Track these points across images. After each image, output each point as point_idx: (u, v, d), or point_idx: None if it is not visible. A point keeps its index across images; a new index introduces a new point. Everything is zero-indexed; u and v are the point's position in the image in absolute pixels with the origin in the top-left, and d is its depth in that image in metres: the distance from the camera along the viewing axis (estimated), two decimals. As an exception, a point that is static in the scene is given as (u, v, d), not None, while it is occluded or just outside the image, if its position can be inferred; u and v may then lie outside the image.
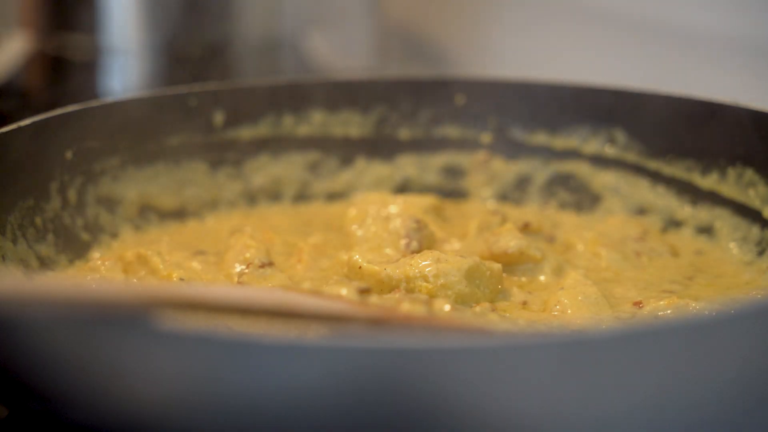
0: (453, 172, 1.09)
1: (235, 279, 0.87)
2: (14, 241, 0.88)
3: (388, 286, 0.83)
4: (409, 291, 0.82)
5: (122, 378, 0.57)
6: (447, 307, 0.76)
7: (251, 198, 1.06)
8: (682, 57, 1.40)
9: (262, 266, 0.87)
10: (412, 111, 1.08)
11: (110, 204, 0.99)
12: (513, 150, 1.07)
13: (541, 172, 1.06)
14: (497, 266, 0.85)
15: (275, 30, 1.69)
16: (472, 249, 0.91)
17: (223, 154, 1.05)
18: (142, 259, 0.87)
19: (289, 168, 1.07)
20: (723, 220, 0.97)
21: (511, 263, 0.89)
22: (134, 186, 1.00)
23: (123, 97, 1.02)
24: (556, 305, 0.82)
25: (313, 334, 0.66)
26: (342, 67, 1.68)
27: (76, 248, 0.94)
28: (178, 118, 1.03)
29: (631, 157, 1.03)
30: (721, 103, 0.97)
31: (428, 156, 1.09)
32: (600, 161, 1.04)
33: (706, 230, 0.98)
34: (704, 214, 0.98)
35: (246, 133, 1.06)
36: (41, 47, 1.70)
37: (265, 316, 0.63)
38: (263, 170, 1.07)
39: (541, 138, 1.06)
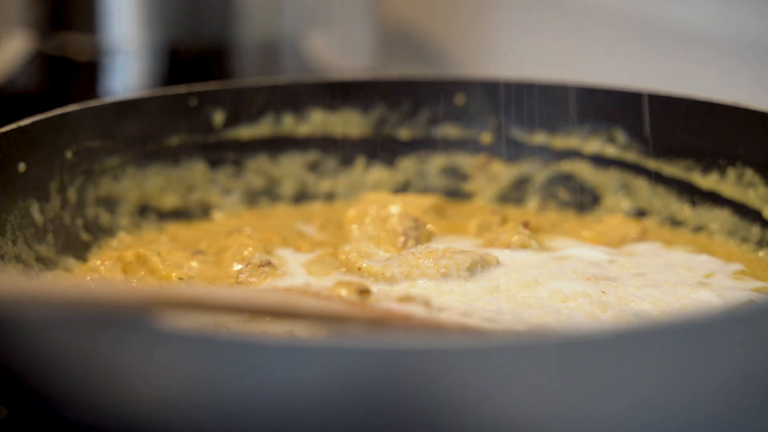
0: (453, 173, 1.09)
1: (235, 279, 0.87)
2: (14, 242, 0.88)
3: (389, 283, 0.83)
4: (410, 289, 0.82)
5: (122, 378, 0.57)
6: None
7: (251, 198, 1.06)
8: (682, 57, 1.40)
9: (261, 266, 0.87)
10: (412, 111, 1.08)
11: (110, 204, 0.99)
12: (513, 150, 1.07)
13: (541, 172, 1.06)
14: (495, 258, 0.86)
15: (275, 30, 1.69)
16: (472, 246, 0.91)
17: (223, 154, 1.05)
18: (141, 259, 0.87)
19: (289, 168, 1.07)
20: (723, 220, 0.97)
21: (512, 259, 0.89)
22: (134, 186, 1.00)
23: (123, 96, 1.02)
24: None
25: (313, 334, 0.66)
26: (342, 67, 1.68)
27: (76, 248, 0.94)
28: (178, 118, 1.03)
29: (631, 157, 1.03)
30: (721, 103, 0.97)
31: (428, 156, 1.09)
32: (600, 161, 1.04)
33: (705, 230, 0.98)
34: (704, 214, 0.98)
35: (246, 133, 1.06)
36: (41, 47, 1.70)
37: (265, 316, 0.63)
38: (263, 170, 1.07)
39: (541, 138, 1.06)
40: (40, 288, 0.56)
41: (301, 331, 0.67)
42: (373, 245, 0.94)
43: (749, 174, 0.95)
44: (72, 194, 0.95)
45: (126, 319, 0.56)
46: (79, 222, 0.95)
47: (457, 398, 0.55)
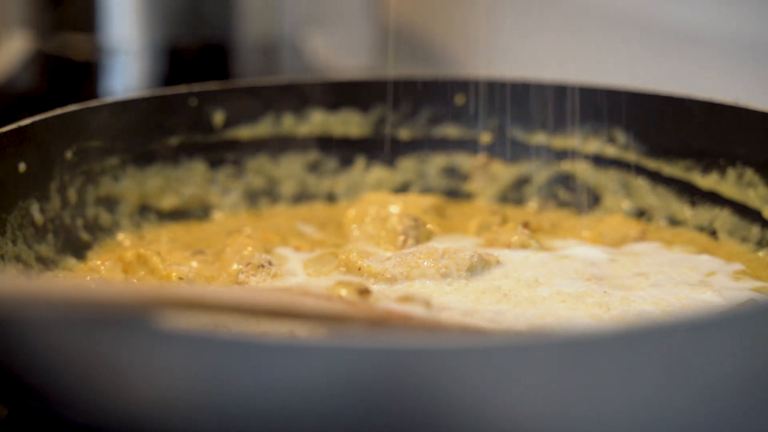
0: (453, 173, 1.09)
1: (234, 279, 0.87)
2: (14, 242, 0.88)
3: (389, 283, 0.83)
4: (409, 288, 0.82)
5: (122, 378, 0.57)
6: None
7: (251, 198, 1.06)
8: (682, 57, 1.40)
9: (261, 266, 0.87)
10: (412, 111, 1.08)
11: (110, 204, 0.99)
12: (513, 150, 1.07)
13: (541, 172, 1.06)
14: (495, 258, 0.86)
15: (275, 30, 1.69)
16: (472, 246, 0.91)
17: (223, 154, 1.05)
18: (141, 259, 0.87)
19: (289, 168, 1.07)
20: (723, 220, 0.97)
21: (512, 259, 0.89)
22: (134, 186, 1.00)
23: (123, 97, 1.02)
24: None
25: (313, 334, 0.66)
26: (342, 67, 1.68)
27: (76, 248, 0.94)
28: (178, 118, 1.03)
29: (631, 157, 1.03)
30: (721, 103, 0.97)
31: (428, 156, 1.09)
32: (600, 161, 1.04)
33: (705, 230, 0.98)
34: (704, 214, 0.98)
35: (246, 133, 1.06)
36: (41, 47, 1.70)
37: (265, 316, 0.63)
38: (263, 170, 1.06)
39: (541, 138, 1.06)
40: (40, 288, 0.56)
41: (301, 331, 0.67)
42: (373, 245, 0.94)
43: (749, 174, 0.95)
44: (72, 194, 0.95)
45: (126, 319, 0.56)
46: (79, 222, 0.95)
47: (457, 398, 0.55)
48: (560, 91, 1.05)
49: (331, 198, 1.08)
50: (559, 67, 1.53)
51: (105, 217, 0.98)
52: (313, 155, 1.08)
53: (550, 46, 1.63)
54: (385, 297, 0.79)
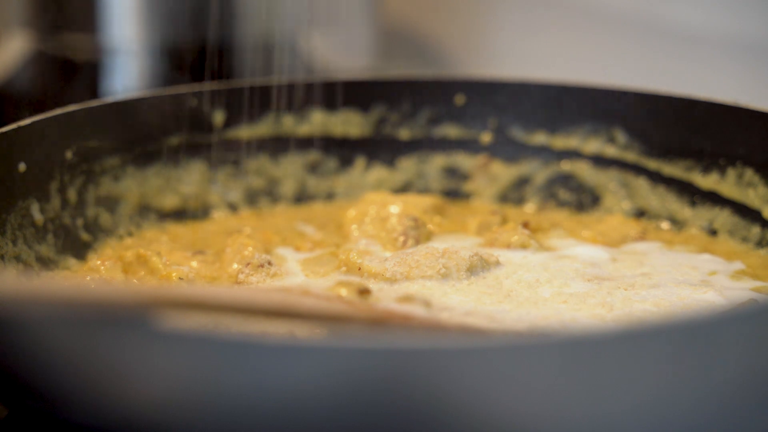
0: (453, 173, 1.09)
1: (234, 279, 0.87)
2: (14, 242, 0.88)
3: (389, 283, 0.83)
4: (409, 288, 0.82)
5: (122, 378, 0.57)
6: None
7: (251, 198, 1.06)
8: (682, 57, 1.40)
9: (261, 266, 0.87)
10: (412, 111, 1.08)
11: (110, 204, 0.99)
12: (513, 150, 1.07)
13: (541, 172, 1.06)
14: (495, 258, 0.86)
15: (275, 30, 1.69)
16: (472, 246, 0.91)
17: (223, 154, 1.05)
18: (141, 259, 0.87)
19: (289, 168, 1.07)
20: (723, 220, 0.97)
21: (512, 259, 0.89)
22: (134, 186, 1.00)
23: (123, 97, 1.02)
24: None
25: (312, 334, 0.66)
26: (342, 67, 1.68)
27: (76, 248, 0.94)
28: (178, 118, 1.03)
29: (631, 157, 1.03)
30: (721, 103, 0.97)
31: (428, 156, 1.09)
32: (600, 161, 1.04)
33: (705, 230, 0.98)
34: (704, 214, 0.98)
35: (246, 133, 1.06)
36: (41, 47, 1.70)
37: (265, 316, 0.63)
38: (263, 170, 1.06)
39: (541, 138, 1.06)
40: (40, 288, 0.56)
41: (301, 331, 0.67)
42: (373, 245, 0.94)
43: (749, 174, 0.95)
44: (72, 194, 0.95)
45: (126, 319, 0.56)
46: (79, 222, 0.95)
47: (457, 398, 0.55)
48: (560, 91, 1.05)
49: (331, 198, 1.08)
50: (559, 67, 1.53)
51: (105, 217, 0.98)
52: (313, 155, 1.08)
53: (550, 46, 1.63)
54: (385, 297, 0.79)
